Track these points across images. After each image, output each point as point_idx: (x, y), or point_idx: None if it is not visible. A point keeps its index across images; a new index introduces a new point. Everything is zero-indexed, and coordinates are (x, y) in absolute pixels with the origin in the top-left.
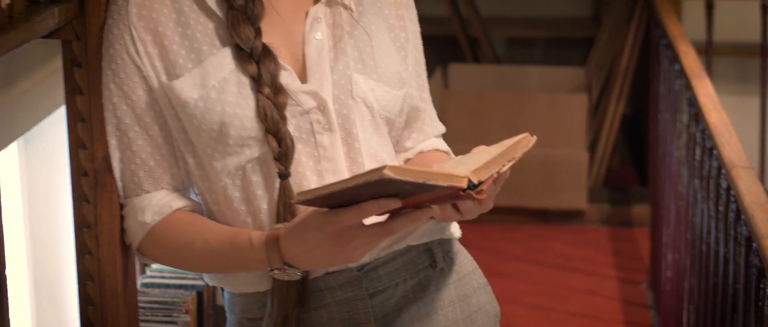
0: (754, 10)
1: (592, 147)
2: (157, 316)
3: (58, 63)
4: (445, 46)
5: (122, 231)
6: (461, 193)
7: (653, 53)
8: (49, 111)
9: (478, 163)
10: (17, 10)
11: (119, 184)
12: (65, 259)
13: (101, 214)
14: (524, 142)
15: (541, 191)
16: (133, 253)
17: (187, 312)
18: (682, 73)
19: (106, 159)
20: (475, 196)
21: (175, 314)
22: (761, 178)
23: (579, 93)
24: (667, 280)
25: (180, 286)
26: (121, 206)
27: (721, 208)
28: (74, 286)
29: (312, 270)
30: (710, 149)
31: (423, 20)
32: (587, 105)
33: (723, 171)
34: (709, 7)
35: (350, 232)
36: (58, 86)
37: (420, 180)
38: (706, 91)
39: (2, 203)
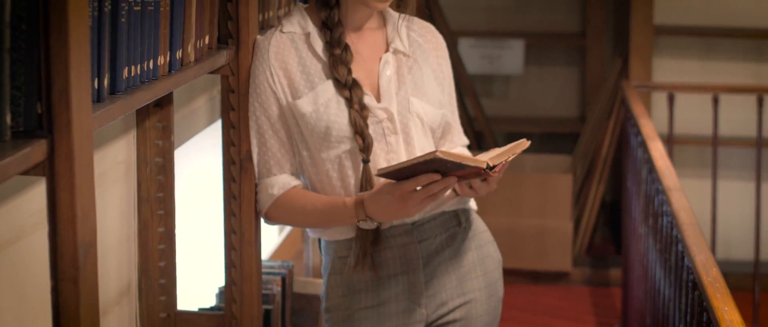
0: (708, 103)
1: (578, 221)
2: None
3: (206, 96)
4: None
5: (256, 202)
6: (482, 172)
7: (625, 138)
8: (197, 129)
9: (493, 155)
10: (204, 52)
11: (256, 169)
12: (210, 219)
13: (243, 190)
14: (522, 144)
15: (533, 256)
16: (261, 217)
17: (278, 285)
18: (643, 143)
19: (248, 153)
20: (491, 174)
21: (269, 286)
22: (713, 250)
23: (565, 173)
24: (633, 301)
25: (270, 273)
26: (256, 185)
27: (659, 228)
28: (220, 238)
29: (383, 222)
30: (657, 189)
31: None
32: (572, 184)
33: (663, 198)
34: (671, 98)
35: (408, 196)
36: (207, 110)
37: (458, 160)
38: (656, 147)
39: (176, 182)
